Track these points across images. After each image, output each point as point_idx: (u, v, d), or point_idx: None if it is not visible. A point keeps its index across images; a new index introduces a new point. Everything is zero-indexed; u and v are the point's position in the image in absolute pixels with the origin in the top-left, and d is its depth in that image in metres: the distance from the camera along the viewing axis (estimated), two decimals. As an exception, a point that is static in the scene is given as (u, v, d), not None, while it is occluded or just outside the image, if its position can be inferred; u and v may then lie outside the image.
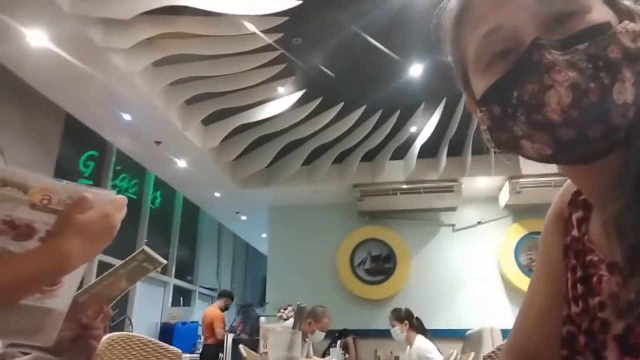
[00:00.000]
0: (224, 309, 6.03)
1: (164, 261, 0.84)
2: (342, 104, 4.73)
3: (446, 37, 0.57)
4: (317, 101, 4.68)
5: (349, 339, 5.57)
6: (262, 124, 4.97)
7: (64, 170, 5.08)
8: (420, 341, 3.70)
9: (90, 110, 4.38)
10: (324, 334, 3.83)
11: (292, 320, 3.85)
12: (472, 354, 3.29)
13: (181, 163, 5.42)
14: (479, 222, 6.24)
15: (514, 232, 6.01)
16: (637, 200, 0.39)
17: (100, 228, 0.59)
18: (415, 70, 4.19)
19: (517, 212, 6.03)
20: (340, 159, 5.71)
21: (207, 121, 4.96)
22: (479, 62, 0.51)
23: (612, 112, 0.41)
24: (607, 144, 0.43)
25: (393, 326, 3.96)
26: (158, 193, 7.51)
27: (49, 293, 0.62)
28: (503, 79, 0.47)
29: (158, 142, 4.91)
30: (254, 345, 4.26)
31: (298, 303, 5.48)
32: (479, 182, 5.87)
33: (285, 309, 5.72)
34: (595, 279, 0.51)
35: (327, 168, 5.71)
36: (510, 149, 0.50)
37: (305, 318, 3.86)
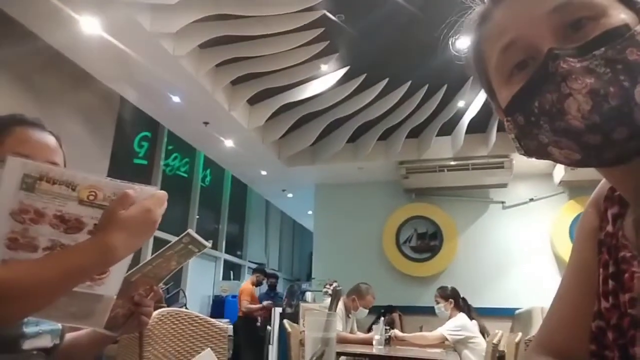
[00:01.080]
0: (256, 284, 6.25)
1: (208, 244, 0.88)
2: (386, 80, 4.65)
3: (469, 49, 0.59)
4: (361, 78, 4.62)
5: (395, 315, 5.62)
6: (307, 102, 4.99)
7: (120, 152, 5.34)
8: (458, 319, 3.67)
9: (142, 93, 4.55)
10: (367, 310, 3.89)
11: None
12: (520, 334, 3.22)
13: (228, 142, 5.55)
14: (531, 199, 6.03)
15: (569, 210, 5.76)
16: None
17: (142, 222, 0.63)
18: (462, 44, 4.03)
19: (573, 188, 5.77)
20: (385, 136, 5.65)
21: (253, 101, 5.03)
22: (500, 74, 0.52)
23: (635, 113, 0.41)
24: (634, 145, 0.43)
25: (437, 303, 3.95)
26: (208, 171, 7.76)
27: (98, 281, 0.67)
28: (523, 90, 0.48)
29: (206, 123, 5.04)
30: (298, 319, 4.40)
31: (334, 285, 5.60)
32: (532, 159, 5.63)
33: (330, 285, 5.82)
34: (627, 275, 0.51)
35: (372, 145, 5.67)
36: (540, 155, 0.51)
37: (350, 294, 3.92)
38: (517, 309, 5.24)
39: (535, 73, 0.47)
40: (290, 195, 7.71)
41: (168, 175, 6.68)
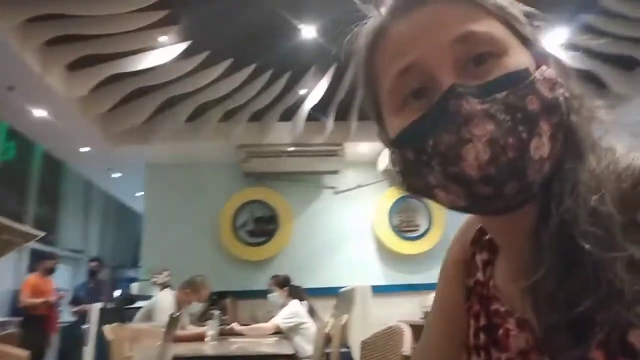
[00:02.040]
0: (47, 272, 5.44)
1: (38, 233, 0.68)
2: (230, 60, 4.48)
3: (358, 64, 0.52)
4: (204, 55, 4.36)
5: (227, 301, 5.56)
6: (141, 75, 4.51)
7: None
8: (291, 306, 3.81)
9: None
10: (201, 304, 3.74)
11: (166, 296, 3.67)
12: (346, 317, 3.46)
13: (39, 112, 4.72)
14: (358, 186, 6.53)
15: (389, 196, 6.40)
16: (557, 275, 0.38)
17: None
18: (309, 33, 4.10)
19: (394, 177, 6.41)
20: (226, 118, 5.48)
21: (74, 67, 4.35)
22: (393, 100, 0.47)
23: (528, 168, 0.40)
24: (521, 198, 0.42)
25: (272, 291, 4.03)
26: (11, 144, 6.53)
27: None
28: (418, 124, 0.44)
29: (11, 87, 4.19)
30: (121, 317, 3.95)
31: (165, 273, 5.27)
32: (361, 147, 6.09)
33: (160, 274, 5.47)
34: (501, 331, 0.49)
35: (213, 126, 5.45)
36: (422, 195, 0.48)
37: (183, 288, 3.72)
38: (343, 287, 5.66)
39: (434, 108, 0.43)
40: (117, 175, 6.98)
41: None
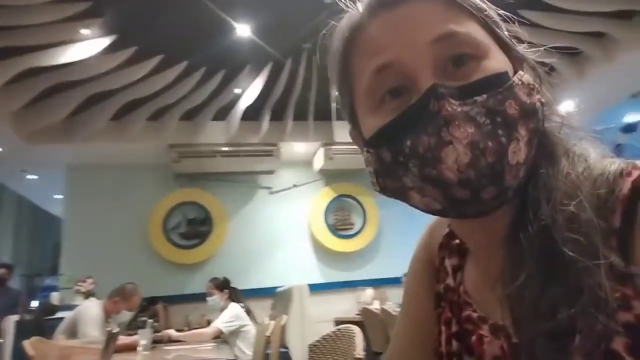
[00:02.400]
0: None
1: None
2: (161, 56, 4.28)
3: (333, 61, 0.50)
4: (132, 50, 4.13)
5: (159, 307, 5.34)
6: (61, 70, 4.18)
7: None
8: (231, 309, 3.74)
9: None
10: (130, 313, 3.55)
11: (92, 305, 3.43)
12: (285, 318, 3.44)
13: (-60, 108, 4.25)
14: (294, 185, 6.53)
15: (325, 195, 6.47)
16: (538, 282, 0.38)
17: None
18: (243, 31, 4.02)
19: (329, 176, 6.49)
20: (156, 117, 5.24)
21: (-19, 59, 3.95)
22: (369, 98, 0.45)
23: (505, 173, 0.40)
24: (497, 203, 0.42)
25: (211, 295, 3.91)
26: None
27: None
28: (395, 124, 0.43)
29: None
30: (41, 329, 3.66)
31: (89, 281, 4.95)
32: (296, 147, 6.09)
33: (84, 281, 5.14)
34: (474, 338, 0.49)
35: (141, 125, 5.19)
36: (397, 196, 0.47)
37: (112, 296, 3.50)
38: (281, 287, 5.64)
39: (413, 108, 0.42)
40: (32, 177, 6.44)
41: None
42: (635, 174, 0.39)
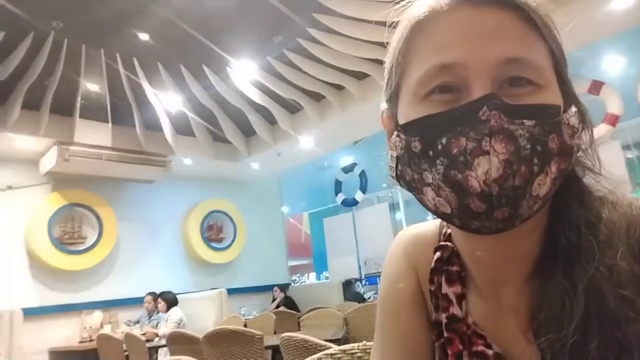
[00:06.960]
0: None
1: None
2: None
3: (395, 40, 0.50)
4: None
5: None
6: None
7: None
8: None
9: None
10: None
11: None
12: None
13: None
14: (10, 187, 5.34)
15: (52, 201, 5.51)
16: (584, 331, 0.39)
17: None
18: None
19: (60, 180, 5.57)
20: None
21: None
22: (421, 87, 0.45)
23: (524, 200, 0.41)
24: (502, 226, 0.42)
25: None
26: None
27: None
28: (439, 118, 0.43)
29: None
30: None
31: None
32: (19, 141, 5.02)
33: None
34: None
35: None
36: (410, 187, 0.47)
37: None
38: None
39: (463, 109, 0.42)
40: None
41: None
42: None
